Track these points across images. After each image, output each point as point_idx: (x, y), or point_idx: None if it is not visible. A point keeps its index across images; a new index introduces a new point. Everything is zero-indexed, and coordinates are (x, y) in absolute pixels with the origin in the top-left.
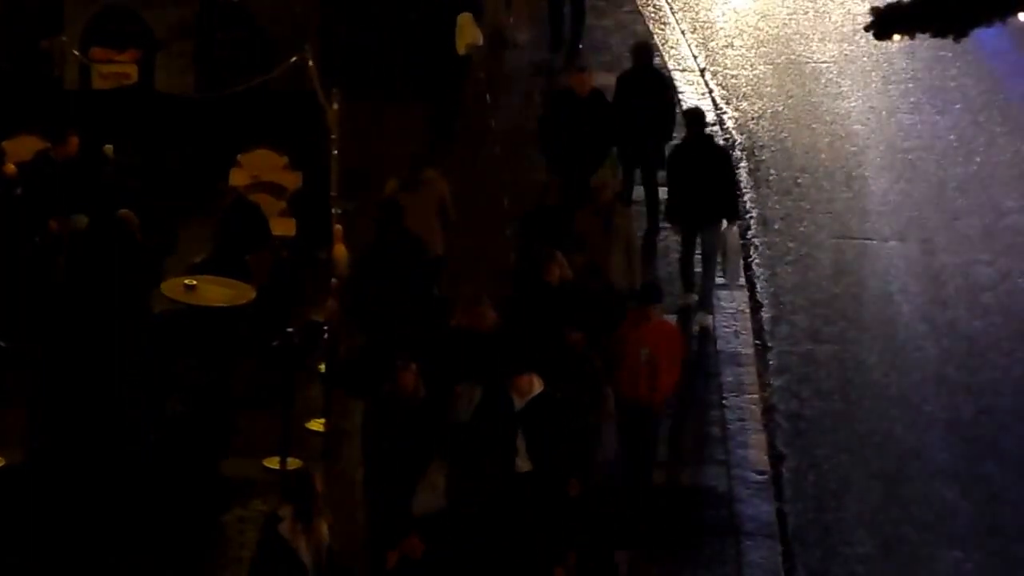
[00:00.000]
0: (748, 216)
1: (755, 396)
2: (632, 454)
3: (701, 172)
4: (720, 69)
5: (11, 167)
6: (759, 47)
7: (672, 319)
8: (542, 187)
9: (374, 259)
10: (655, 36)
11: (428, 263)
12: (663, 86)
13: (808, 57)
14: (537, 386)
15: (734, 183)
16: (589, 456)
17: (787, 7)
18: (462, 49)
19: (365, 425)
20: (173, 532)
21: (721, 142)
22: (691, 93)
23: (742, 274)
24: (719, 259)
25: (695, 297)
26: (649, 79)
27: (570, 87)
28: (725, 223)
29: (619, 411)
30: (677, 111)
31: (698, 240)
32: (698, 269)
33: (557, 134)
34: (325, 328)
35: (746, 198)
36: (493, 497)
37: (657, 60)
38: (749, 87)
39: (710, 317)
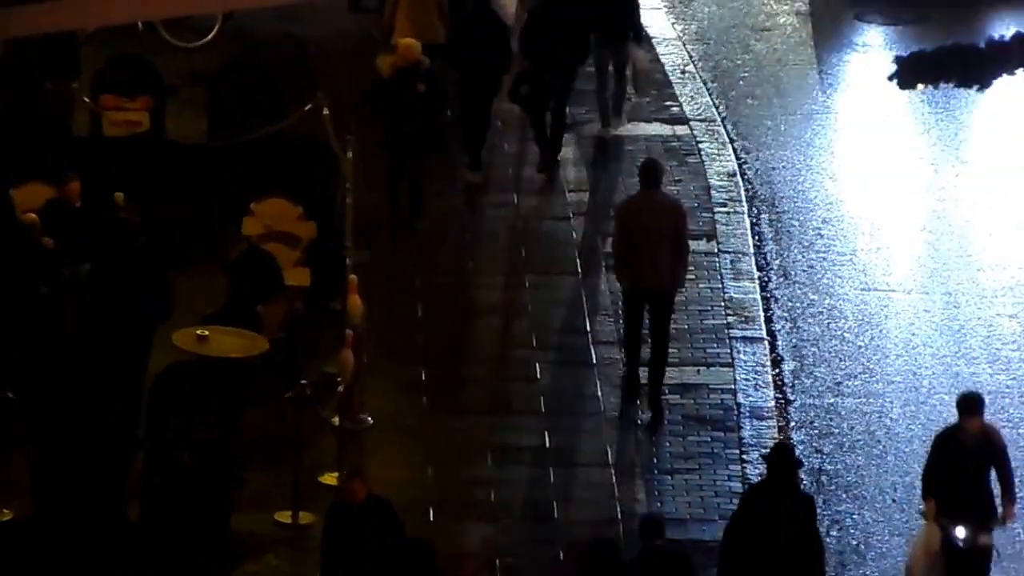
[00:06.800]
0: (769, 268)
1: None
2: None
3: None
4: (741, 119)
5: (33, 216)
6: (780, 97)
7: None
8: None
9: (468, 28)
10: (675, 86)
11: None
12: None
13: (830, 107)
14: None
15: (638, 7)
16: None
17: (808, 57)
18: None
19: None
20: None
21: None
22: (711, 142)
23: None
24: (629, 75)
25: (612, 131)
26: None
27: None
28: (633, 44)
29: None
30: None
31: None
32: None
33: None
34: (339, 380)
35: (767, 250)
36: None
37: (676, 110)
38: (770, 137)
39: (625, 125)
